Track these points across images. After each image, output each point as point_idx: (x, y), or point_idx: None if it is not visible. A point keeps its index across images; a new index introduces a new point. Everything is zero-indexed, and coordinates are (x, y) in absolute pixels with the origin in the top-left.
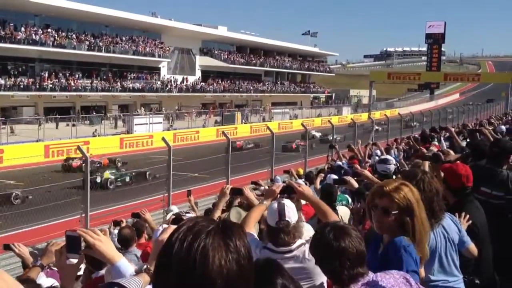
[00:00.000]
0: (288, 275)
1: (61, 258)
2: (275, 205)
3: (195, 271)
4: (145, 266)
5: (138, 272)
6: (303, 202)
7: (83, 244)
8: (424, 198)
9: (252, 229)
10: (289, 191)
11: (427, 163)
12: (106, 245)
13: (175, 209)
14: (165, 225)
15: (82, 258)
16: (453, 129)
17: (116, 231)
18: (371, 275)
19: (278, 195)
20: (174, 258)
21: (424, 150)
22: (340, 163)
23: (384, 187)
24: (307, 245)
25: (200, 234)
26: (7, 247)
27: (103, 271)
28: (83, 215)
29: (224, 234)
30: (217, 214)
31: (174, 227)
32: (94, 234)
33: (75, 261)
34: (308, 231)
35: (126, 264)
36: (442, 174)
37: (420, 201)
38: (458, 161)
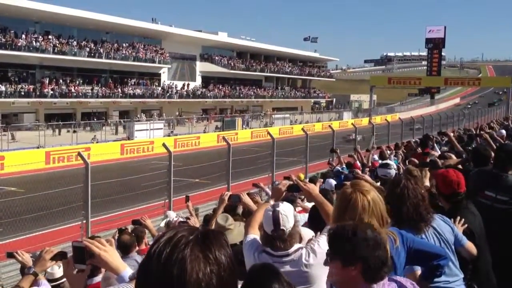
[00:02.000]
0: (284, 279)
1: (69, 268)
2: (270, 213)
3: (173, 285)
4: None
5: (132, 278)
6: (298, 208)
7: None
8: (410, 204)
9: (256, 230)
10: (294, 189)
11: (427, 170)
12: (112, 255)
13: (172, 214)
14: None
15: (89, 268)
16: (452, 134)
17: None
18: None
19: (284, 193)
20: (153, 270)
21: (416, 161)
22: (339, 168)
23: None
24: (304, 250)
25: (179, 246)
26: (10, 255)
27: (97, 278)
28: (84, 221)
29: (203, 245)
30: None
31: None
32: (99, 244)
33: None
34: (308, 235)
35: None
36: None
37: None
38: (451, 167)
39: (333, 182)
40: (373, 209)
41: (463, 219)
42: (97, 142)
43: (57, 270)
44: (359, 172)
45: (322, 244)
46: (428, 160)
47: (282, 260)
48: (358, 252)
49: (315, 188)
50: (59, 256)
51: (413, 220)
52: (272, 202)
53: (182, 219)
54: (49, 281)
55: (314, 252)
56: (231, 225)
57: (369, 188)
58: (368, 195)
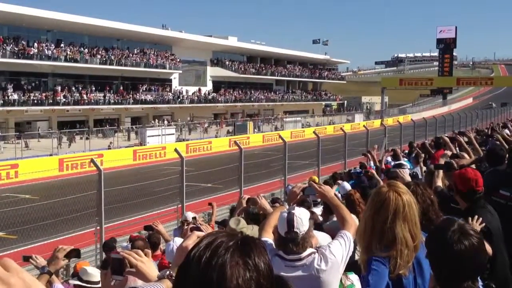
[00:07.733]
0: None
1: (106, 279)
2: (285, 214)
3: None
4: (167, 272)
5: (160, 278)
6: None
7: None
8: (419, 208)
9: (269, 234)
10: (310, 192)
11: (440, 172)
12: (149, 266)
13: (190, 215)
14: (177, 239)
15: (126, 279)
16: (472, 135)
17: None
18: None
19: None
20: (192, 275)
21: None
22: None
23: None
24: (317, 255)
25: (219, 251)
26: (26, 259)
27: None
28: (98, 227)
29: (243, 251)
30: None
31: (197, 233)
32: (137, 256)
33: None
34: (324, 240)
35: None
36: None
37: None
38: (469, 166)
39: (347, 185)
40: (407, 213)
41: (480, 218)
42: (111, 148)
43: (96, 273)
44: (374, 172)
45: (333, 250)
46: (442, 161)
47: (294, 264)
48: None
49: (330, 190)
50: (74, 254)
51: (423, 225)
52: (286, 206)
53: (195, 225)
54: (86, 282)
55: (325, 258)
56: (243, 229)
57: (405, 190)
58: (404, 196)
